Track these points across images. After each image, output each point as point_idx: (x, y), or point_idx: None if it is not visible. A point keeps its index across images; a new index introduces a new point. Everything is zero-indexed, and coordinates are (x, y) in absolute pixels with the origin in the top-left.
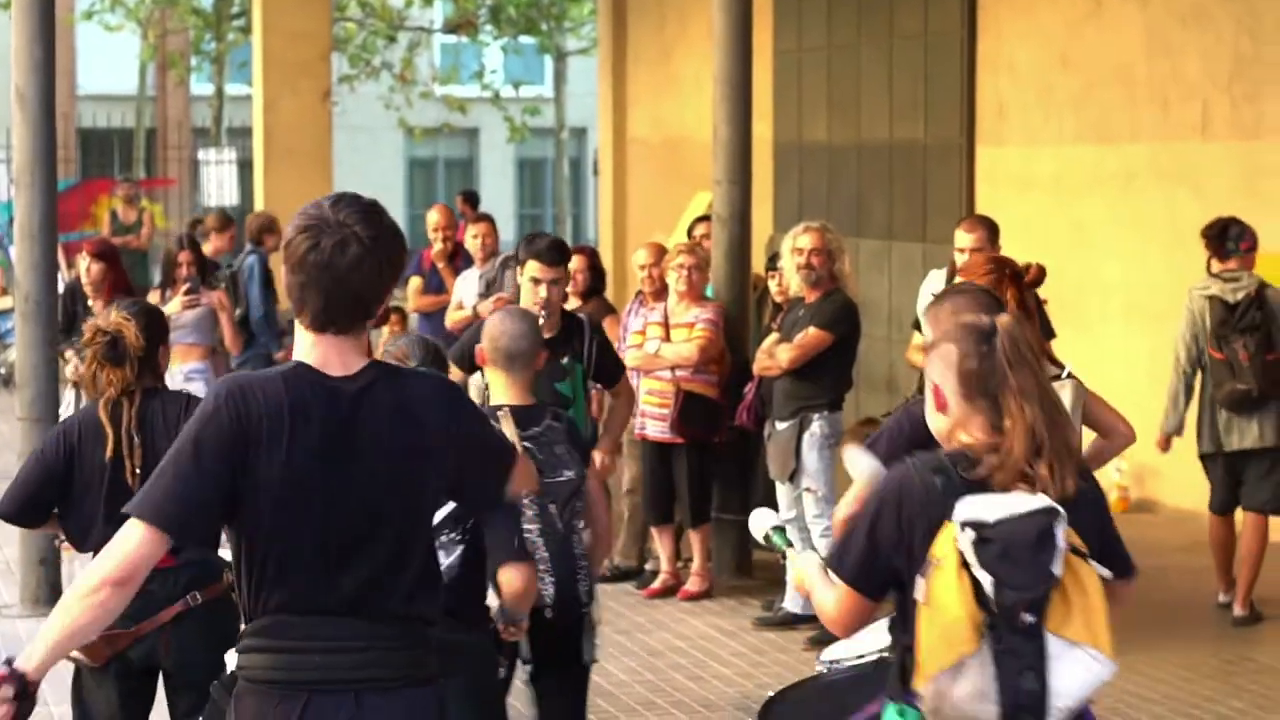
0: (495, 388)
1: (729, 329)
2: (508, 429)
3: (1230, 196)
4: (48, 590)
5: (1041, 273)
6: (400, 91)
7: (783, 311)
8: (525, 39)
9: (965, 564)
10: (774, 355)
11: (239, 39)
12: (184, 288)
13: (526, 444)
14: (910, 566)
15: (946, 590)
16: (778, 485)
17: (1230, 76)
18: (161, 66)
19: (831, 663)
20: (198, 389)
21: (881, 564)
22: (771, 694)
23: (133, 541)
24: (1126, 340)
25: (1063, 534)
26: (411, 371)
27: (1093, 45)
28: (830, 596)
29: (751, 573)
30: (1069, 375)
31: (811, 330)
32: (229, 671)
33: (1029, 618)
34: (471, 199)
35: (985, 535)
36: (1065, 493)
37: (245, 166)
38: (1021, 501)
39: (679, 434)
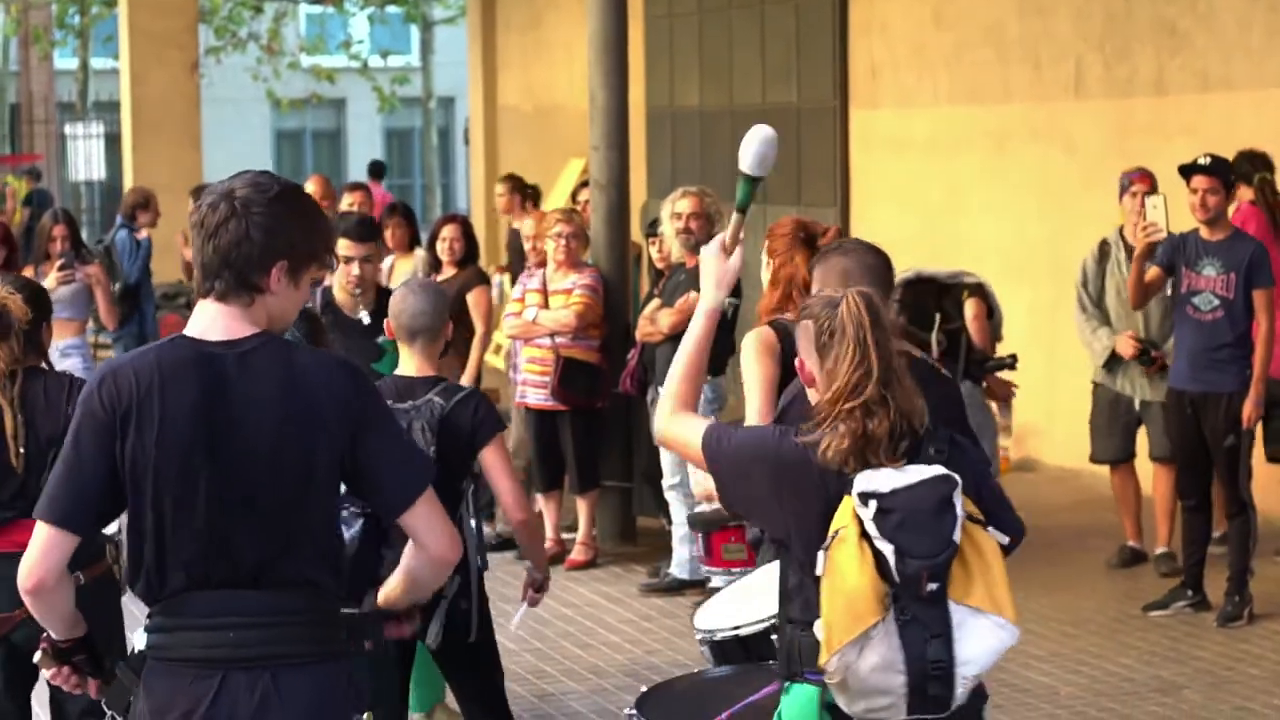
0: (402, 360)
1: (609, 295)
2: None
3: (1103, 155)
4: None
5: (839, 235)
6: (267, 63)
7: (664, 277)
8: (392, 8)
9: (866, 536)
10: (656, 321)
11: (103, 12)
12: (58, 262)
13: None
14: (796, 532)
15: (848, 562)
16: (662, 451)
17: (1102, 35)
18: (25, 41)
19: (707, 632)
20: (74, 365)
21: (744, 467)
22: (645, 688)
23: (37, 545)
24: (1003, 300)
25: (959, 502)
26: (308, 347)
27: (964, 5)
28: (688, 422)
29: (636, 539)
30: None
31: (693, 295)
32: (135, 650)
33: (932, 586)
34: (377, 170)
35: (885, 506)
36: (878, 442)
37: (112, 141)
38: (918, 471)
39: (560, 401)
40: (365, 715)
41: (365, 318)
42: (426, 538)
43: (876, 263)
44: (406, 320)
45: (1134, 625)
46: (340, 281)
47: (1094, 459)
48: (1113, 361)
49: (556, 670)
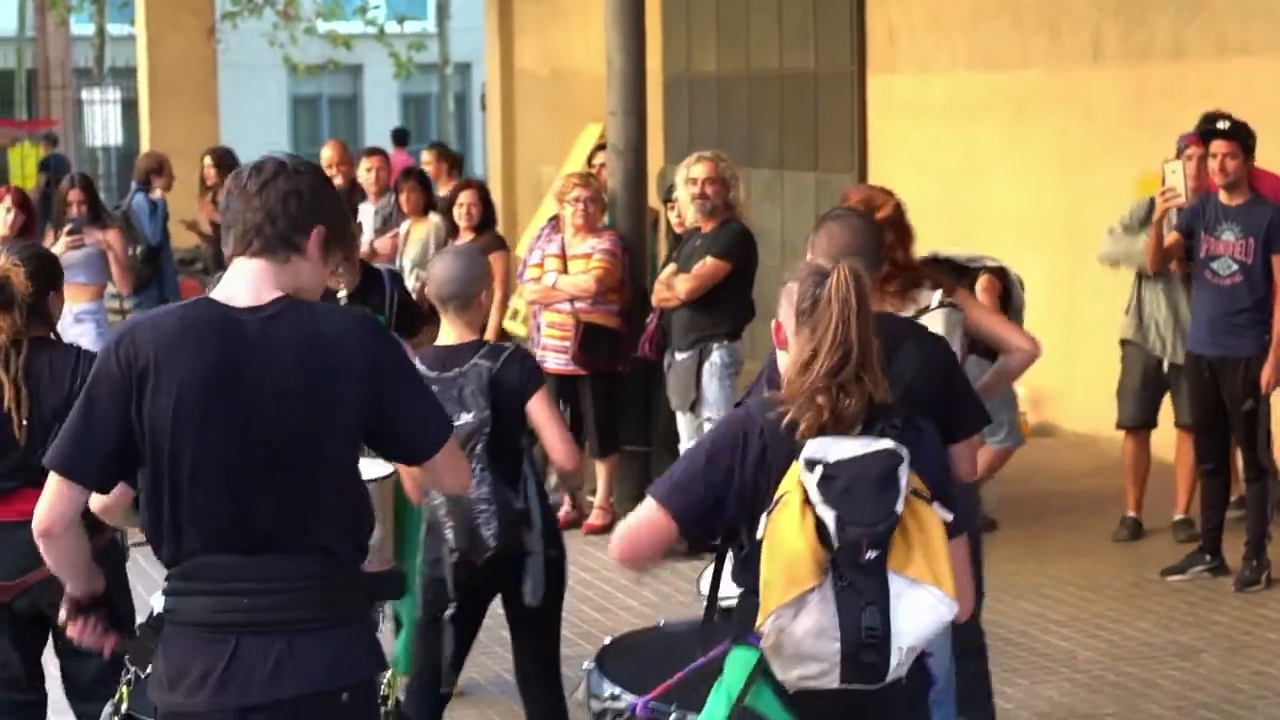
0: (443, 330)
1: (628, 260)
2: None
3: (1121, 121)
4: None
5: (896, 209)
6: (284, 29)
7: (681, 241)
8: None
9: (808, 501)
10: (672, 286)
11: None
12: (67, 228)
13: (433, 387)
14: (749, 510)
15: (788, 525)
16: (679, 416)
17: (1119, 1)
18: (41, 7)
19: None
20: (88, 330)
21: (699, 496)
22: (608, 640)
23: (49, 493)
24: (1020, 266)
25: (905, 476)
26: (330, 306)
27: None
28: (635, 512)
29: None
30: (940, 305)
31: (708, 260)
32: (155, 614)
33: (871, 554)
34: (400, 137)
35: (829, 473)
36: (847, 422)
37: (129, 106)
38: (866, 443)
39: (580, 365)
40: (389, 674)
41: (342, 294)
42: (449, 478)
43: (866, 231)
44: (449, 289)
45: (1152, 590)
46: None
47: (1119, 424)
48: (1144, 318)
49: (575, 634)
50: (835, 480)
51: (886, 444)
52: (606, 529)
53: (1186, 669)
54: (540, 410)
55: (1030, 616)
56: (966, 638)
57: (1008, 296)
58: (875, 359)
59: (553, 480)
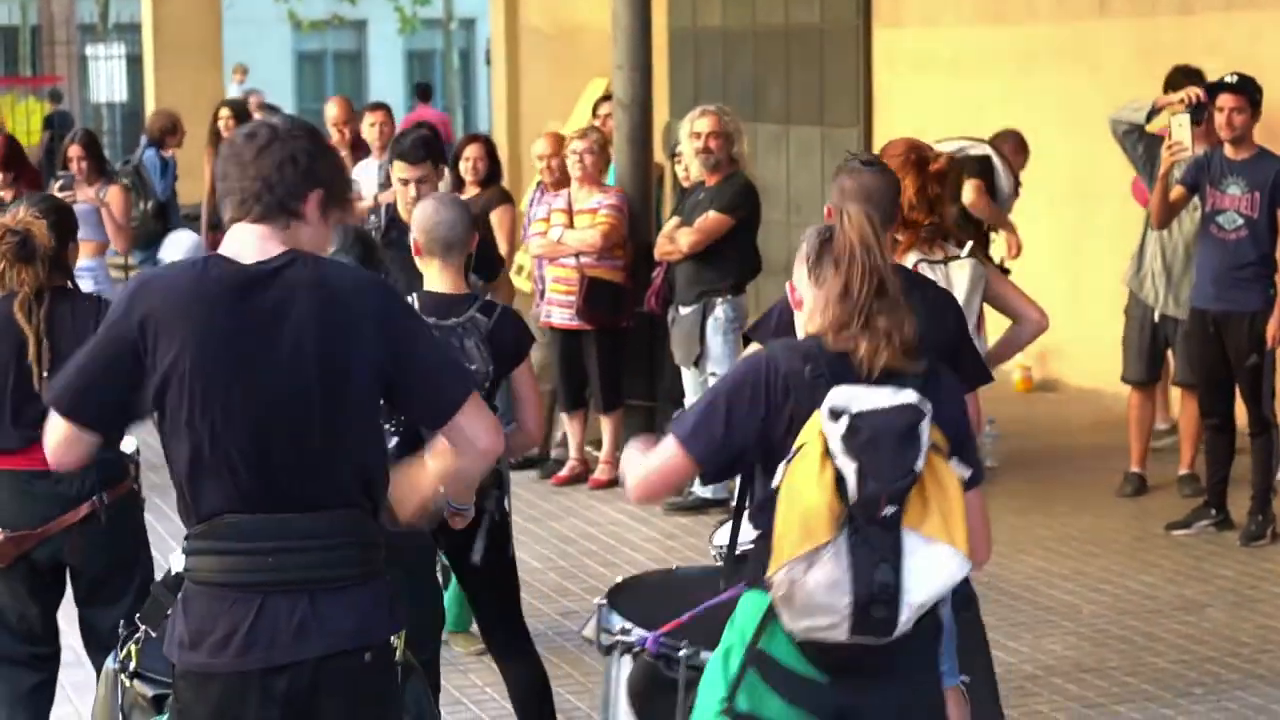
0: (429, 277)
1: (633, 215)
2: None
3: (1127, 76)
4: None
5: (950, 162)
6: None
7: (684, 195)
8: None
9: (828, 452)
10: (675, 239)
11: None
12: (57, 184)
13: (435, 333)
14: (768, 453)
15: (806, 478)
16: (683, 371)
17: None
18: None
19: (721, 547)
20: (86, 288)
21: (720, 435)
22: (620, 579)
23: (53, 433)
24: (1026, 222)
25: (927, 432)
26: (336, 261)
27: None
28: (656, 452)
29: None
30: (969, 255)
31: (711, 214)
32: (172, 573)
33: (889, 509)
34: (424, 92)
35: (855, 424)
36: (872, 370)
37: (134, 62)
38: (889, 395)
39: (586, 320)
40: (400, 634)
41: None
42: (476, 434)
43: (883, 183)
44: (443, 232)
45: (1157, 544)
46: (401, 203)
47: (1123, 378)
48: (1144, 265)
49: (580, 589)
50: (859, 432)
51: (910, 397)
52: (612, 484)
53: (1191, 623)
54: (525, 378)
55: (1035, 571)
56: (958, 588)
57: (991, 189)
58: (897, 295)
59: None
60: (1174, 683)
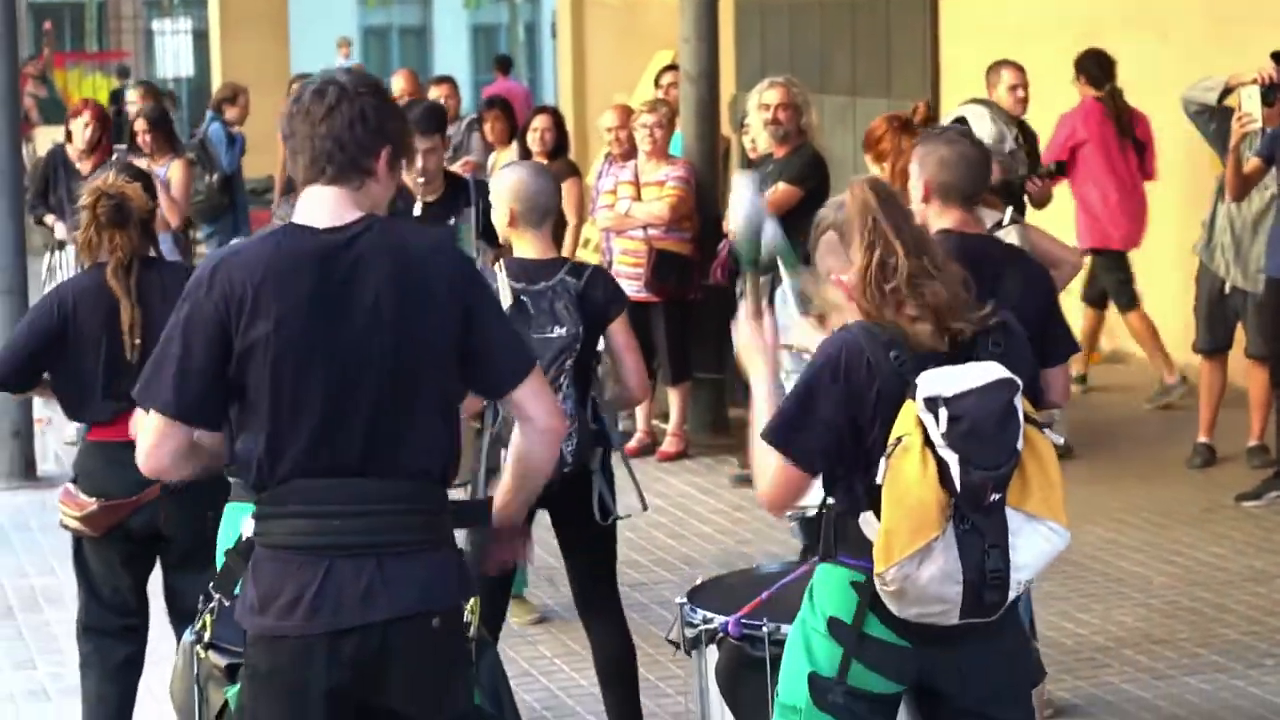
0: (519, 245)
1: (700, 187)
2: (502, 284)
3: (1198, 44)
4: (21, 463)
5: (928, 109)
6: None
7: (752, 167)
8: None
9: (929, 444)
10: None
11: None
12: (115, 157)
13: (524, 298)
14: (858, 441)
15: (911, 473)
16: None
17: None
18: None
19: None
20: None
21: (819, 435)
22: (700, 580)
23: (149, 435)
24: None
25: (1021, 406)
26: (414, 225)
27: None
28: (769, 465)
29: (729, 431)
30: (1012, 221)
31: (781, 186)
32: (244, 537)
33: (995, 496)
34: (504, 64)
35: (954, 413)
36: (939, 345)
37: (200, 37)
38: (979, 373)
39: (654, 293)
40: (472, 601)
41: (418, 208)
42: (537, 411)
43: (976, 156)
44: (544, 201)
45: (1226, 515)
46: (407, 173)
47: (1194, 348)
48: (1214, 235)
49: (649, 560)
50: (959, 422)
51: (999, 372)
52: (680, 456)
53: (1261, 594)
54: (622, 334)
55: (1104, 542)
56: None
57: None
58: (935, 256)
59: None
60: (1245, 654)
